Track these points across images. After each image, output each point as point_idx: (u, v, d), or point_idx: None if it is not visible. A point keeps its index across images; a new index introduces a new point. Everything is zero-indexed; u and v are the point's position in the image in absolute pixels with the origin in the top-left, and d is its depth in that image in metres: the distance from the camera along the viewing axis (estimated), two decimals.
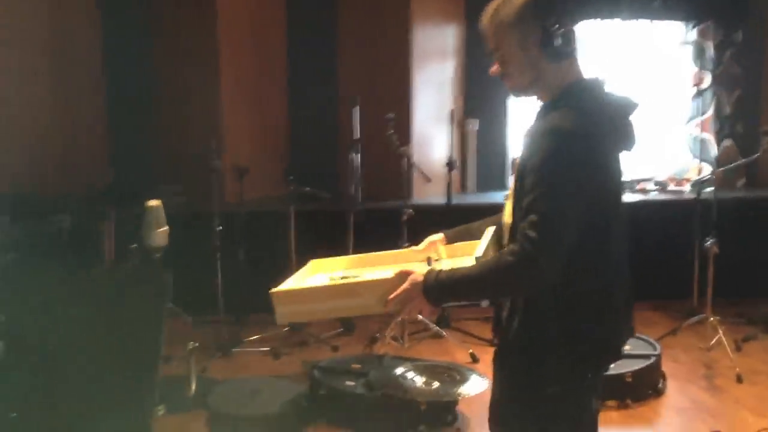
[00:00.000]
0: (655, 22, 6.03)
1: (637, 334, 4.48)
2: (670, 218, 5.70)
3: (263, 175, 5.57)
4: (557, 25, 1.95)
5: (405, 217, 4.81)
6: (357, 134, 5.21)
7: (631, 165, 6.18)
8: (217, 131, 5.62)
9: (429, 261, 2.28)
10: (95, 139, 5.83)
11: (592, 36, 6.09)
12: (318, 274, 2.37)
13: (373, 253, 2.41)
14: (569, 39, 1.98)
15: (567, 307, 1.98)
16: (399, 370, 3.92)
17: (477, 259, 2.01)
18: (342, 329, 5.19)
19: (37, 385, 1.54)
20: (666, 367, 4.31)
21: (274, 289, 2.11)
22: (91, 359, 1.58)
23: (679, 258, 5.41)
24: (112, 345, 1.58)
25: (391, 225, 4.93)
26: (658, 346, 4.28)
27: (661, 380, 4.18)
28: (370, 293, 2.01)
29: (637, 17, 5.94)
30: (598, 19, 5.94)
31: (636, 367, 4.00)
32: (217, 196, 4.87)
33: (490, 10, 2.03)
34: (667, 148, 6.28)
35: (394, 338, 4.86)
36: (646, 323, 5.24)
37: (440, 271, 1.97)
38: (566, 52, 1.98)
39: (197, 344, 2.16)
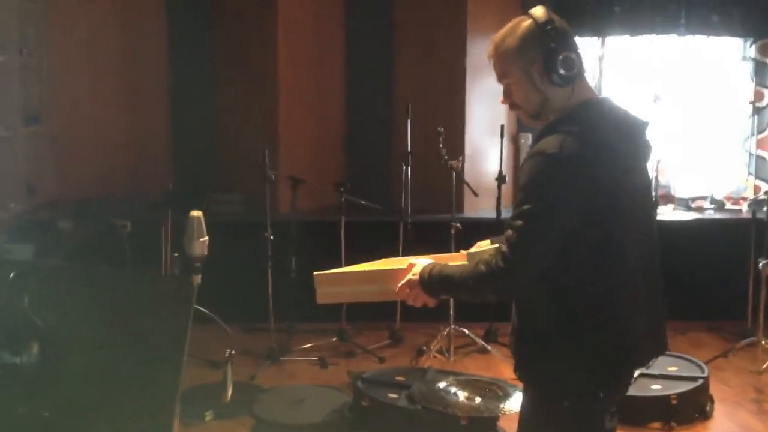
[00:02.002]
0: (713, 37, 5.94)
1: (686, 356, 4.45)
2: (726, 237, 5.61)
3: (318, 185, 5.65)
4: (558, 51, 2.02)
5: (453, 231, 4.84)
6: (409, 146, 5.26)
7: (688, 183, 6.11)
8: (273, 141, 5.74)
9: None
10: (159, 148, 6.01)
11: (649, 51, 6.04)
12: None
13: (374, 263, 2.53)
14: (571, 63, 2.05)
15: (569, 323, 2.05)
16: (442, 384, 3.96)
17: (469, 256, 2.16)
18: (390, 341, 5.25)
19: (67, 388, 1.64)
20: (715, 390, 4.25)
21: (317, 272, 2.35)
22: (116, 362, 1.67)
23: (735, 278, 5.32)
24: (136, 348, 1.67)
25: (440, 238, 4.96)
26: (706, 369, 4.23)
27: (709, 403, 4.12)
28: (390, 281, 2.22)
29: (694, 33, 5.87)
30: (655, 35, 5.88)
31: (682, 389, 3.96)
32: (271, 205, 4.98)
33: (494, 41, 2.13)
34: (724, 165, 6.18)
35: (440, 351, 4.90)
36: (699, 344, 5.18)
37: (434, 266, 2.15)
38: (569, 77, 2.05)
39: (234, 351, 2.23)
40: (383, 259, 2.50)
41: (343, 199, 5.05)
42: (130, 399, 1.65)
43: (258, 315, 5.10)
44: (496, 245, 2.13)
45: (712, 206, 6.07)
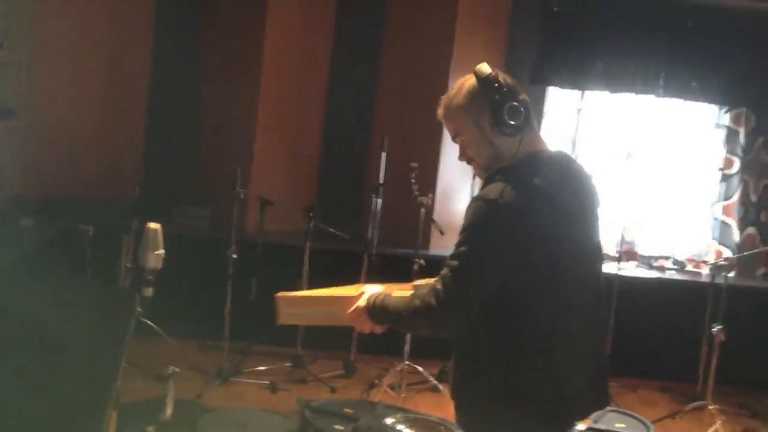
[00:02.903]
0: (690, 102, 6.05)
1: (634, 414, 4.46)
2: (684, 299, 5.68)
3: (287, 209, 5.64)
4: (504, 102, 2.12)
5: (416, 266, 4.85)
6: (381, 178, 5.28)
7: (652, 241, 6.18)
8: (247, 159, 5.73)
9: None
10: (131, 154, 5.95)
11: (626, 109, 6.13)
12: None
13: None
14: (518, 112, 2.13)
15: (503, 370, 2.09)
16: (389, 420, 3.92)
17: (415, 288, 2.23)
18: (343, 371, 5.22)
19: (6, 390, 1.61)
20: None
21: (279, 294, 2.48)
22: (52, 367, 1.64)
23: (689, 340, 5.38)
24: (72, 354, 1.64)
25: (403, 272, 4.95)
26: (652, 428, 4.25)
27: None
28: (344, 306, 2.31)
29: (672, 96, 5.97)
30: (634, 94, 5.97)
31: None
32: (237, 223, 4.95)
33: (444, 101, 2.24)
34: (689, 228, 6.26)
35: (392, 386, 4.88)
36: (649, 403, 5.21)
37: (380, 295, 2.23)
38: (517, 126, 2.14)
39: (178, 369, 2.22)
40: (344, 286, 2.53)
41: (311, 225, 5.05)
42: (62, 405, 1.62)
43: (214, 332, 5.05)
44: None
45: (674, 267, 6.14)
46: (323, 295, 2.46)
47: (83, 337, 1.72)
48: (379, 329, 2.27)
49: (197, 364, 4.97)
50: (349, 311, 2.27)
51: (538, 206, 2.05)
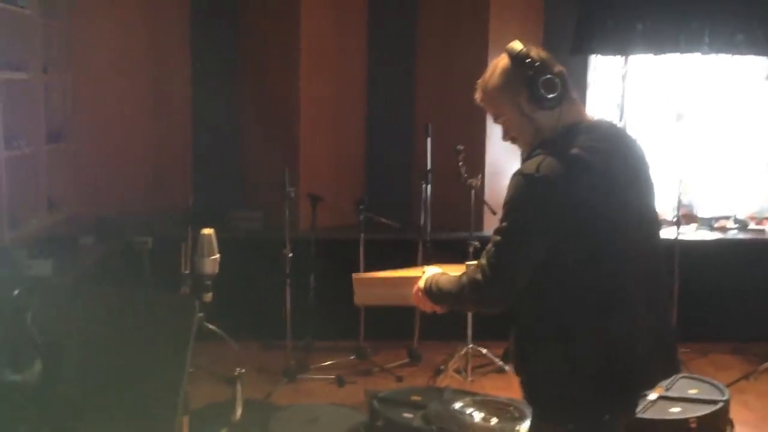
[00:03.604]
0: (737, 56, 5.89)
1: (707, 378, 4.37)
2: (750, 258, 5.56)
3: (337, 203, 5.66)
4: (538, 77, 2.12)
5: (471, 249, 4.82)
6: (429, 164, 5.26)
7: (711, 202, 6.05)
8: (293, 159, 5.76)
9: None
10: (180, 165, 6.05)
11: (672, 70, 6.00)
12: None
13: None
14: (553, 85, 2.13)
15: (562, 343, 2.09)
16: (458, 405, 3.91)
17: (467, 267, 2.25)
18: (408, 359, 5.22)
19: (67, 407, 1.64)
20: (736, 413, 4.17)
21: (355, 274, 2.61)
22: (117, 382, 1.67)
23: (758, 299, 5.26)
24: (137, 368, 1.67)
25: (459, 256, 4.91)
26: (726, 392, 4.15)
27: (729, 427, 4.05)
28: (411, 287, 2.38)
29: (718, 52, 5.81)
30: (678, 54, 5.83)
31: (702, 413, 3.89)
32: (290, 223, 4.99)
33: (479, 85, 2.25)
34: (748, 185, 6.10)
35: (458, 371, 4.87)
36: (722, 366, 5.11)
37: (436, 275, 2.29)
38: (554, 98, 2.14)
39: (244, 369, 2.26)
40: (416, 268, 2.62)
41: (362, 217, 5.06)
42: (129, 417, 1.65)
43: (276, 332, 5.10)
44: None
45: (736, 226, 5.99)
46: (394, 276, 2.57)
47: (148, 346, 1.74)
48: (439, 309, 2.33)
49: (263, 365, 5.03)
50: (413, 291, 2.35)
51: (577, 176, 2.04)
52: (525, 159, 2.16)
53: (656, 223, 2.29)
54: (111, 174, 5.77)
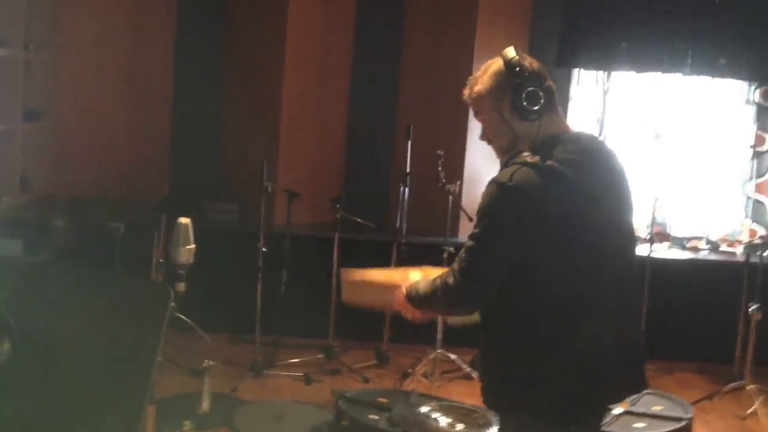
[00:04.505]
0: (718, 79, 5.95)
1: (672, 396, 4.42)
2: (719, 279, 5.60)
3: (314, 200, 5.64)
4: (524, 87, 2.14)
5: (446, 254, 4.82)
6: (408, 167, 5.26)
7: (684, 222, 6.10)
8: (273, 153, 5.73)
9: None
10: (158, 152, 5.98)
11: (654, 89, 6.05)
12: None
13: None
14: (536, 98, 2.15)
15: (529, 352, 2.11)
16: (424, 409, 3.92)
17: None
18: (376, 361, 5.21)
19: (37, 386, 1.62)
20: None
21: (344, 270, 2.61)
22: (89, 363, 1.65)
23: (725, 321, 5.30)
24: (108, 351, 1.65)
25: (433, 261, 4.91)
26: (690, 410, 4.20)
27: None
28: (395, 294, 2.38)
29: (700, 74, 5.87)
30: (661, 73, 5.88)
31: (666, 429, 3.93)
32: (266, 217, 4.96)
33: (470, 81, 2.27)
34: (722, 207, 6.17)
35: (425, 375, 4.86)
36: (686, 385, 5.15)
37: (418, 280, 2.31)
38: (535, 111, 2.15)
39: (213, 362, 2.23)
40: (405, 269, 2.62)
41: (338, 216, 5.04)
42: (96, 402, 1.63)
43: (245, 326, 5.07)
44: None
45: (707, 247, 6.05)
46: (382, 280, 2.58)
47: (118, 332, 1.72)
48: (420, 315, 2.35)
49: (230, 358, 4.99)
50: (395, 300, 2.37)
51: (550, 187, 2.06)
52: (501, 167, 2.19)
53: (632, 237, 2.30)
54: (87, 156, 5.69)
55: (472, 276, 2.11)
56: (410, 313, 2.34)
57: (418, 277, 2.37)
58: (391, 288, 2.44)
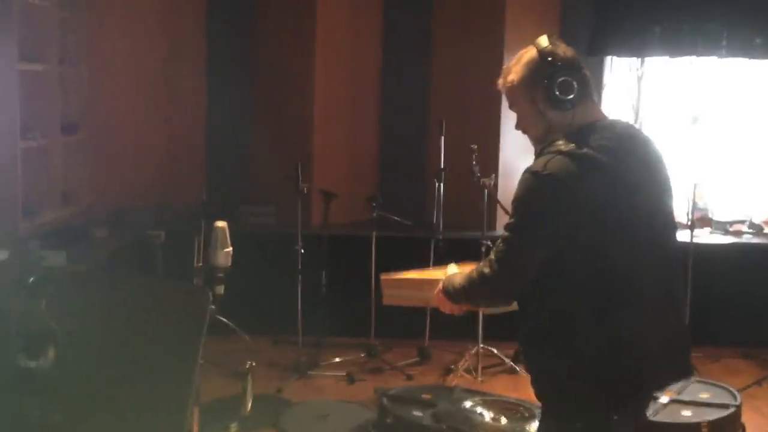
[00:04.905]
0: (754, 60, 5.84)
1: (719, 383, 4.35)
2: (764, 262, 5.51)
3: (350, 200, 5.66)
4: (557, 76, 2.14)
5: (483, 249, 4.81)
6: (442, 163, 5.25)
7: (726, 206, 6.01)
8: (307, 155, 5.76)
9: None
10: (194, 159, 6.05)
11: (689, 73, 5.96)
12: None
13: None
14: (569, 87, 2.15)
15: (568, 340, 2.10)
16: (468, 404, 3.90)
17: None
18: (418, 358, 5.21)
19: (80, 393, 1.65)
20: (748, 418, 4.14)
21: (383, 275, 2.70)
22: (129, 369, 1.68)
23: None
24: (150, 357, 1.67)
25: (471, 255, 4.91)
26: (738, 396, 4.13)
27: None
28: (433, 289, 2.40)
29: (736, 55, 5.77)
30: (694, 56, 5.80)
31: (713, 417, 3.87)
32: (302, 218, 4.99)
33: (503, 72, 2.28)
34: (764, 189, 6.06)
35: (468, 371, 4.86)
36: (733, 371, 5.08)
37: (452, 275, 2.34)
38: (568, 101, 2.15)
39: (254, 363, 2.26)
40: (444, 267, 2.67)
41: (374, 214, 5.05)
42: (141, 406, 1.65)
43: (287, 328, 5.11)
44: None
45: (751, 231, 5.95)
46: (420, 278, 2.64)
47: (160, 336, 1.75)
48: (458, 309, 2.37)
49: (274, 360, 5.03)
50: (433, 294, 2.38)
51: (585, 174, 2.05)
52: (536, 156, 2.17)
53: (672, 224, 2.28)
54: (125, 166, 5.77)
55: (509, 265, 2.12)
56: (448, 308, 2.36)
57: (455, 271, 2.39)
58: (429, 284, 2.46)
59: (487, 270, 2.14)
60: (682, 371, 2.29)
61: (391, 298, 2.65)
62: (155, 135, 5.93)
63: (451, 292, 2.30)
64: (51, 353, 1.62)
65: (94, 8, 5.58)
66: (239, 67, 6.03)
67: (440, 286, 2.35)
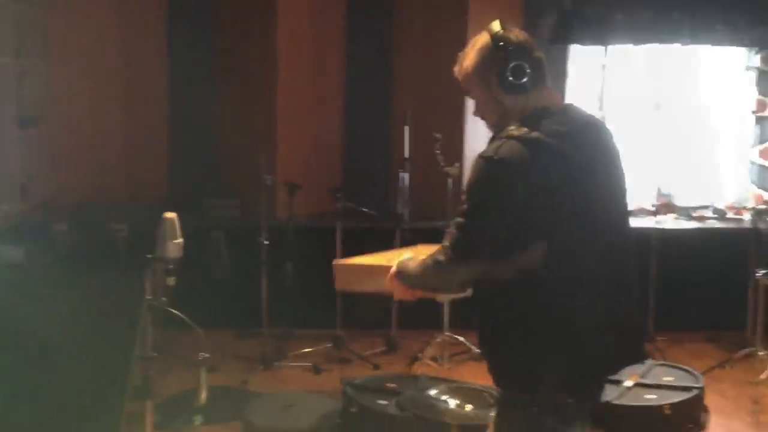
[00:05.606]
0: (717, 47, 5.89)
1: (682, 366, 4.38)
2: (727, 247, 5.56)
3: (314, 191, 5.63)
4: (509, 61, 2.13)
5: None
6: (407, 153, 5.23)
7: (689, 191, 6.06)
8: (271, 146, 5.71)
9: None
10: (156, 152, 5.98)
11: (651, 60, 6.00)
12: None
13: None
14: (521, 72, 2.14)
15: (522, 324, 2.10)
16: (433, 391, 3.89)
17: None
18: (385, 348, 5.20)
19: (20, 383, 1.62)
20: (711, 401, 4.17)
21: (336, 261, 2.69)
22: (70, 358, 1.65)
23: (735, 288, 5.27)
24: (90, 345, 1.65)
25: (437, 244, 4.92)
26: (701, 379, 4.16)
27: (704, 414, 4.06)
28: (386, 275, 2.37)
29: (698, 42, 5.81)
30: (658, 44, 5.83)
31: (676, 399, 3.90)
32: (267, 210, 4.95)
33: (459, 58, 2.26)
34: (727, 175, 6.12)
35: (434, 359, 4.85)
36: (697, 354, 5.12)
37: (407, 259, 2.32)
38: (522, 85, 2.15)
39: (208, 355, 2.23)
40: (398, 251, 2.72)
41: (339, 205, 5.03)
42: (85, 397, 1.62)
43: (253, 320, 5.07)
44: None
45: (714, 216, 6.01)
46: (373, 264, 2.60)
47: (99, 329, 1.71)
48: (411, 295, 2.34)
49: (239, 352, 5.00)
50: (386, 279, 2.37)
51: (536, 159, 2.04)
52: (489, 141, 2.16)
53: (624, 209, 2.27)
54: (86, 160, 5.70)
55: (462, 252, 2.10)
56: (401, 293, 2.34)
57: (407, 256, 2.36)
58: (381, 270, 2.43)
59: (441, 257, 2.13)
60: (636, 355, 2.29)
61: (343, 283, 2.64)
62: (116, 128, 5.86)
63: (405, 278, 2.29)
64: None
65: (52, 1, 5.49)
66: (201, 59, 5.95)
67: (393, 271, 2.33)
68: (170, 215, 2.64)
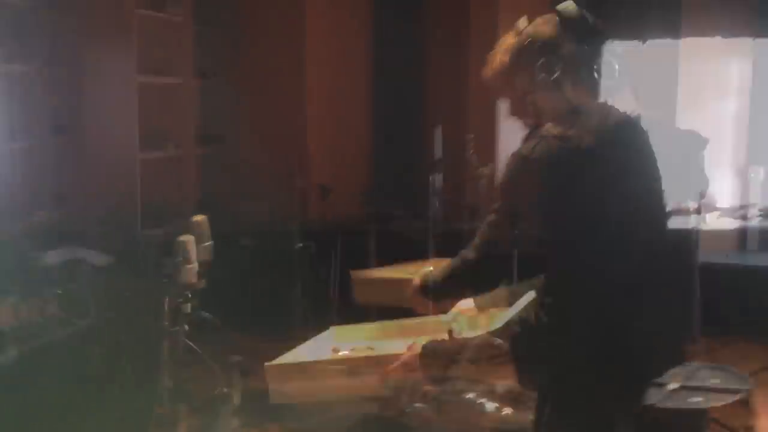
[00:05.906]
0: None
1: (729, 368, 4.26)
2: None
3: (346, 194, 5.61)
4: (540, 57, 2.08)
5: None
6: (439, 154, 5.18)
7: (731, 191, 5.95)
8: (301, 150, 5.71)
9: (450, 334, 2.31)
10: (189, 158, 5.99)
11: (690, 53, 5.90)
12: (335, 343, 2.46)
13: (396, 322, 2.53)
14: (553, 68, 2.07)
15: (557, 325, 2.00)
16: (471, 394, 3.83)
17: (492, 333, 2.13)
18: None
19: (44, 389, 1.59)
20: (759, 403, 4.07)
21: (354, 273, 2.60)
22: (98, 363, 1.62)
23: None
24: (120, 350, 1.61)
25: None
26: (748, 381, 4.04)
27: (751, 417, 3.94)
28: (406, 289, 2.32)
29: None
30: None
31: (722, 402, 3.78)
32: (299, 214, 4.95)
33: (488, 60, 2.22)
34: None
35: (471, 361, 4.77)
36: (744, 356, 4.99)
37: (431, 271, 2.33)
38: (555, 82, 2.08)
39: (241, 358, 2.23)
40: (417, 263, 2.76)
41: (371, 208, 5.00)
42: (109, 395, 1.59)
43: (286, 325, 5.04)
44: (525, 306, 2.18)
45: (760, 214, 5.89)
46: (390, 277, 2.69)
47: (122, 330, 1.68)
48: (434, 309, 2.37)
49: (275, 357, 4.96)
50: (406, 294, 2.39)
51: (571, 159, 1.99)
52: (524, 139, 2.13)
53: (662, 209, 2.20)
54: (119, 167, 5.70)
55: (493, 249, 2.13)
56: (422, 307, 2.36)
57: (427, 270, 2.40)
58: (401, 283, 2.44)
59: (472, 255, 2.15)
60: (676, 357, 2.29)
61: (362, 295, 2.66)
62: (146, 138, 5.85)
63: (432, 286, 2.31)
64: (12, 351, 1.55)
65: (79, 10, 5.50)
66: (230, 63, 5.95)
67: (416, 284, 2.34)
68: (200, 218, 2.62)
